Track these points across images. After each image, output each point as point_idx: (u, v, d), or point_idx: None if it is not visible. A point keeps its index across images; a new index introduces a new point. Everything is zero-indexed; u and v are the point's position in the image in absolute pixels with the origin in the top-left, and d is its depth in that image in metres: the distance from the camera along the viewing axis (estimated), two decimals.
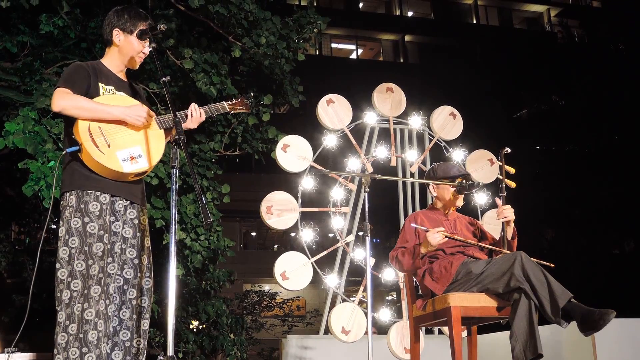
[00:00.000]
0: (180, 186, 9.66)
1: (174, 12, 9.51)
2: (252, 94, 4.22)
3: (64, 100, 3.43)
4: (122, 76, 3.78)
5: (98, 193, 3.45)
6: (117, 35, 3.67)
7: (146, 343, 3.56)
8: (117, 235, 3.50)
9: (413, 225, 4.56)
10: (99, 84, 3.60)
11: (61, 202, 3.53)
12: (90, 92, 3.54)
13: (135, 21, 3.67)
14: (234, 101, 3.99)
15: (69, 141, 3.52)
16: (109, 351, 3.42)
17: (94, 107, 3.45)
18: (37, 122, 8.06)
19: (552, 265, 4.21)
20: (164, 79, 3.37)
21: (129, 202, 3.58)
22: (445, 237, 4.31)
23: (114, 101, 3.56)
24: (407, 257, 4.41)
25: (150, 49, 3.60)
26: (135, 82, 4.02)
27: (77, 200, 3.44)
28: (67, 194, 3.49)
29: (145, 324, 3.55)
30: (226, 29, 9.67)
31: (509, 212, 4.50)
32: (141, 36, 3.62)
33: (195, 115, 3.68)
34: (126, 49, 3.67)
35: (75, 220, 3.42)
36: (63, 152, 3.55)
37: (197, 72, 9.16)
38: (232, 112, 3.98)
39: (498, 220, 4.65)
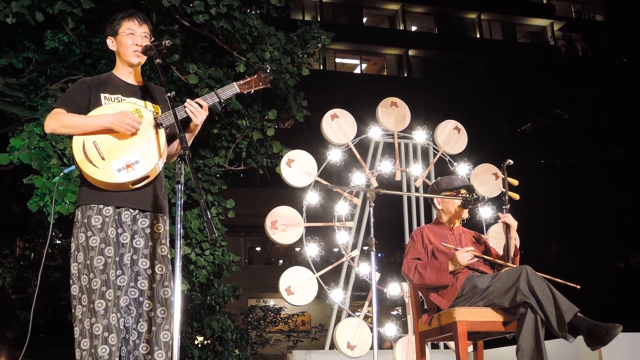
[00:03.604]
0: (185, 201, 9.66)
1: (179, 28, 9.56)
2: (268, 66, 3.98)
3: (52, 122, 3.50)
4: (133, 81, 3.75)
5: (101, 206, 3.44)
6: (112, 43, 3.71)
7: (170, 355, 3.45)
8: (125, 246, 3.46)
9: (443, 244, 4.54)
10: (101, 94, 3.61)
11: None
12: (92, 105, 3.56)
13: (117, 22, 3.68)
14: (248, 79, 3.76)
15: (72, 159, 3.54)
16: None
17: (80, 122, 3.47)
18: (42, 138, 8.08)
19: (578, 287, 4.20)
20: (169, 94, 3.33)
21: (137, 210, 3.53)
22: (475, 256, 4.32)
23: (107, 110, 3.53)
24: (431, 271, 4.39)
25: (149, 44, 3.60)
26: (156, 83, 3.95)
27: (82, 215, 3.46)
28: (76, 211, 3.52)
29: (166, 336, 3.45)
30: (231, 44, 9.71)
31: (510, 217, 4.54)
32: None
33: (193, 111, 3.54)
34: (121, 50, 3.68)
35: (80, 235, 3.43)
36: (60, 174, 3.55)
37: (201, 87, 9.18)
38: (246, 92, 3.74)
39: (502, 232, 4.65)
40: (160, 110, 3.72)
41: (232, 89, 3.69)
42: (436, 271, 4.37)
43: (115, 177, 3.41)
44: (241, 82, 3.74)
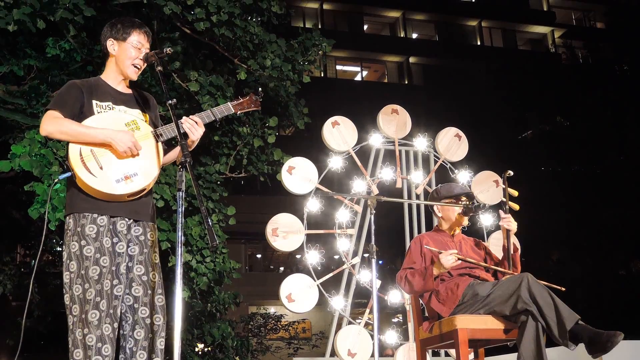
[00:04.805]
0: (186, 208, 9.66)
1: (180, 35, 9.58)
2: (260, 89, 4.06)
3: (49, 125, 3.41)
4: (122, 88, 3.70)
5: (95, 215, 3.38)
6: (112, 45, 3.62)
7: None
8: (121, 255, 3.44)
9: (426, 247, 4.55)
10: (93, 101, 3.54)
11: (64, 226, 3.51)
12: (84, 111, 3.50)
13: (128, 29, 3.61)
14: (241, 100, 3.82)
15: (67, 166, 3.48)
16: None
17: (78, 131, 3.38)
18: (43, 145, 8.09)
19: (563, 289, 4.19)
20: (170, 102, 3.30)
21: (132, 220, 3.50)
22: (458, 259, 4.30)
23: (105, 122, 3.47)
24: (418, 278, 4.40)
25: (150, 52, 3.58)
26: (140, 90, 3.92)
27: (75, 224, 3.40)
28: (67, 218, 3.46)
29: (162, 343, 3.45)
30: (232, 52, 9.73)
31: (511, 220, 4.54)
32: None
33: (190, 128, 3.53)
34: (121, 57, 3.61)
35: (74, 244, 3.37)
36: (55, 180, 3.50)
37: (202, 95, 9.20)
38: (239, 112, 3.80)
39: (503, 240, 4.64)
40: (148, 119, 3.69)
41: (227, 109, 3.74)
42: (423, 277, 4.37)
43: (113, 188, 3.36)
44: (235, 102, 3.79)
